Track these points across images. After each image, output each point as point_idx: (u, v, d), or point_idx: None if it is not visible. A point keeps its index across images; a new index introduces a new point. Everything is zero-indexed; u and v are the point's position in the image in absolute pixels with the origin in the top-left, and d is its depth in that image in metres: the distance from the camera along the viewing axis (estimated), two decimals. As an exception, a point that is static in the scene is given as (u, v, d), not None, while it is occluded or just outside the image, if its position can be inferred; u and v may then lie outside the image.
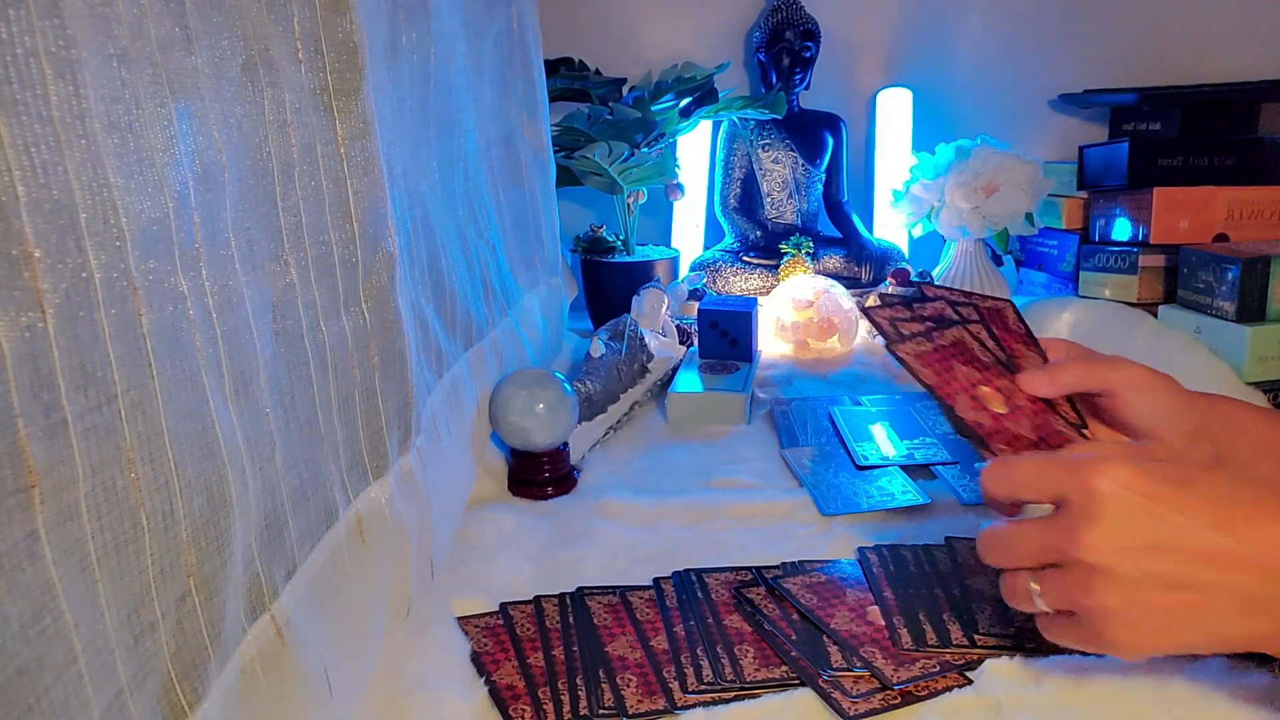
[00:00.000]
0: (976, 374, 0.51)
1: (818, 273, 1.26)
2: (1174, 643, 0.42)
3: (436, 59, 0.69)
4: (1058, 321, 1.16)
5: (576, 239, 1.27)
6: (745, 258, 1.31)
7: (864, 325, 1.17)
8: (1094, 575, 0.40)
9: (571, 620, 0.56)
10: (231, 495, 0.37)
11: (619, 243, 1.25)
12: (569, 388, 0.76)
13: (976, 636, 0.53)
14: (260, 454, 0.40)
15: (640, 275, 1.18)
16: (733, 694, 0.50)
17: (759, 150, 1.34)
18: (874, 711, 0.48)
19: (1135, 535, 0.40)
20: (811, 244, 1.28)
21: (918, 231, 1.29)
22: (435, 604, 0.59)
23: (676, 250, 1.31)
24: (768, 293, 1.24)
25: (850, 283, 1.24)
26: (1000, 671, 0.50)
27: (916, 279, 1.15)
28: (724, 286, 1.29)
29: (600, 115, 1.16)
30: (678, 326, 1.11)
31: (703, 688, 0.50)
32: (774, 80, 1.32)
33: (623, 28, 1.36)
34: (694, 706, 0.49)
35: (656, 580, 0.61)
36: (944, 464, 0.78)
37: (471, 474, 0.75)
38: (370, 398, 0.52)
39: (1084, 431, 0.52)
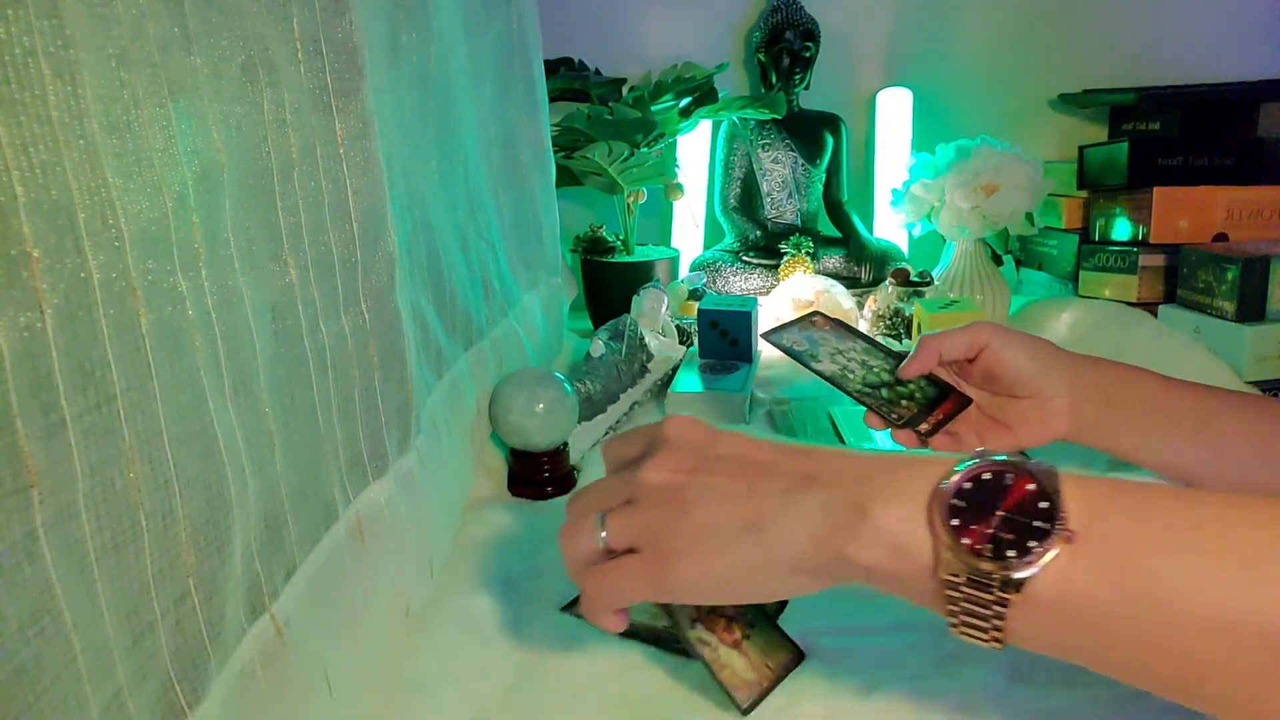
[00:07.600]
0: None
1: (817, 272, 1.26)
2: (732, 567, 0.40)
3: (436, 59, 0.68)
4: (1057, 321, 1.16)
5: (576, 239, 1.27)
6: (745, 258, 1.31)
7: (863, 326, 1.17)
8: (654, 493, 0.42)
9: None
10: (231, 495, 0.37)
11: (619, 243, 1.25)
12: (569, 388, 0.76)
13: None
14: (260, 454, 0.40)
15: (640, 275, 1.18)
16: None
17: (759, 150, 1.34)
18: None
19: (691, 456, 0.42)
20: (811, 244, 1.28)
21: (917, 231, 1.29)
22: (435, 604, 0.59)
23: (676, 250, 1.31)
24: (768, 293, 1.23)
25: (850, 282, 1.24)
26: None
27: (916, 279, 1.15)
28: (724, 286, 1.29)
29: (600, 115, 1.16)
30: (677, 326, 1.11)
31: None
32: (774, 80, 1.31)
33: (623, 28, 1.36)
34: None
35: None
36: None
37: (471, 474, 0.75)
38: (370, 397, 0.52)
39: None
